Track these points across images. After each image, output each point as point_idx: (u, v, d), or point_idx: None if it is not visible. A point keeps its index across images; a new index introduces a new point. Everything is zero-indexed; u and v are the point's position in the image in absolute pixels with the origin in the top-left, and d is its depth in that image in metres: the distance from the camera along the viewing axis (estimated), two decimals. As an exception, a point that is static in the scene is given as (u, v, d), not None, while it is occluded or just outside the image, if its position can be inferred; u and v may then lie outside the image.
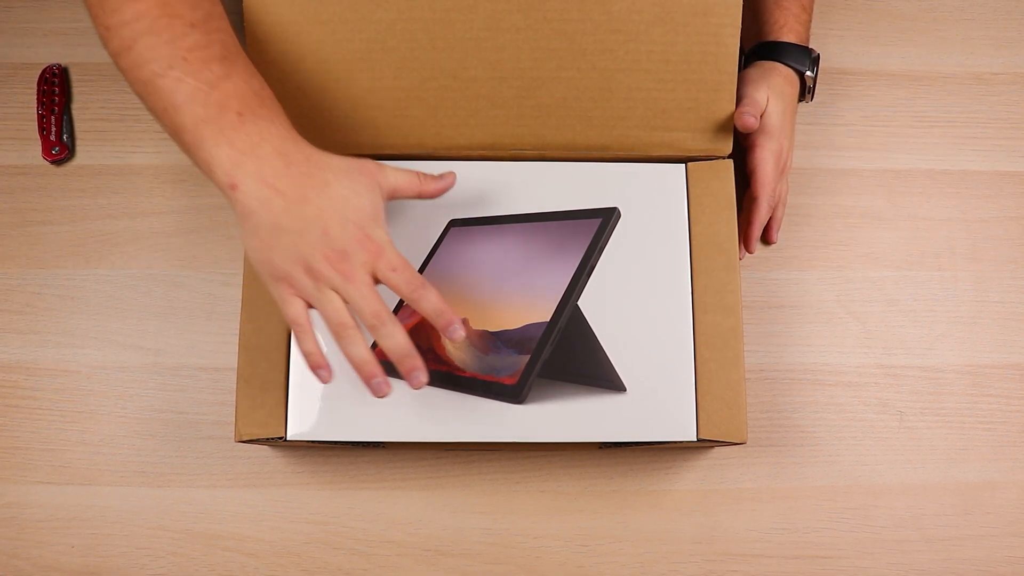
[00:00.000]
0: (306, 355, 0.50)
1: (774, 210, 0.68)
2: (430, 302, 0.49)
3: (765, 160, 0.64)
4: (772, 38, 0.68)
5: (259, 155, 0.47)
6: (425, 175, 0.54)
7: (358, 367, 0.49)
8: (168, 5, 0.48)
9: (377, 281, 0.49)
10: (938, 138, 0.75)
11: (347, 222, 0.48)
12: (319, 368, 0.50)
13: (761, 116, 0.63)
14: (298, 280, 0.48)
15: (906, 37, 0.77)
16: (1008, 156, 0.74)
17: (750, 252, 0.69)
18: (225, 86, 0.48)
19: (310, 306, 0.49)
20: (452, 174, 0.55)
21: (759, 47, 0.68)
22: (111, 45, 0.49)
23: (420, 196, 0.54)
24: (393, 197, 0.52)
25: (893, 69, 0.76)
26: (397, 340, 0.48)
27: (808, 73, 0.67)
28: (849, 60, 0.76)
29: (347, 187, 0.49)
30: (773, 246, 0.71)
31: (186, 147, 0.49)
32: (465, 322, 0.59)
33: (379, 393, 0.49)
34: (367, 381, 0.49)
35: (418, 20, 0.58)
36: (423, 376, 0.49)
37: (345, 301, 0.48)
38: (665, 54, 0.60)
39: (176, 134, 0.49)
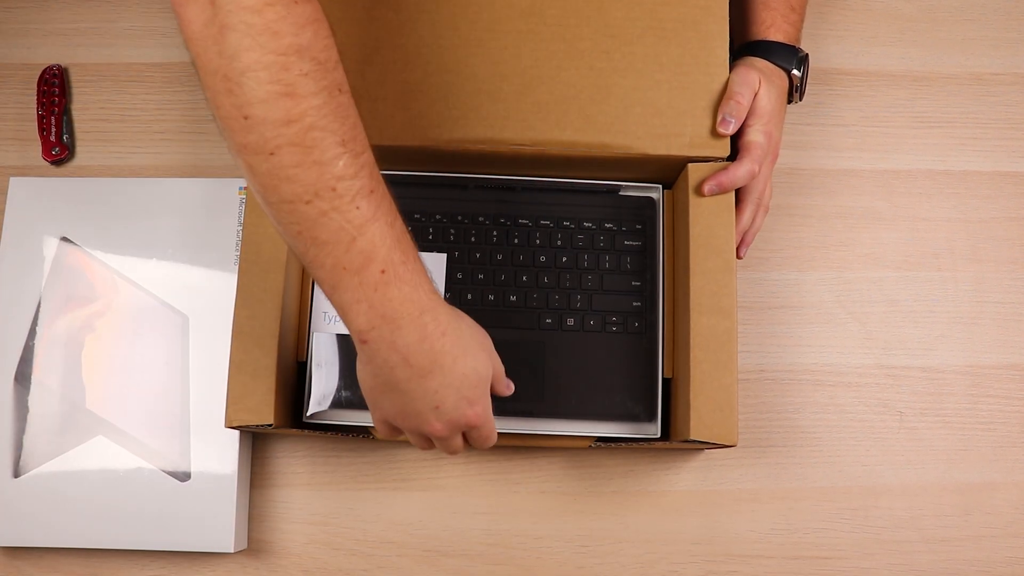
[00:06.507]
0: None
1: (753, 216, 0.66)
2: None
3: (757, 143, 0.63)
4: (759, 37, 0.67)
5: (397, 324, 0.46)
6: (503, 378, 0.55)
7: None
8: (323, 114, 0.43)
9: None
10: (938, 138, 0.75)
11: (460, 398, 0.49)
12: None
13: (755, 97, 0.63)
14: (398, 423, 0.51)
15: (906, 38, 0.77)
16: (1008, 156, 0.74)
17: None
18: (371, 232, 0.45)
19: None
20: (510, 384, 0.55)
21: (745, 46, 0.68)
22: (241, 136, 0.42)
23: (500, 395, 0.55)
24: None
25: (893, 70, 0.76)
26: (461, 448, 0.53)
27: (795, 72, 0.66)
28: (849, 60, 0.76)
29: (471, 364, 0.49)
30: (773, 247, 0.71)
31: (318, 279, 0.46)
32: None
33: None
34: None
35: (425, 22, 0.62)
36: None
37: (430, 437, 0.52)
38: (659, 59, 0.63)
39: (309, 263, 0.46)
